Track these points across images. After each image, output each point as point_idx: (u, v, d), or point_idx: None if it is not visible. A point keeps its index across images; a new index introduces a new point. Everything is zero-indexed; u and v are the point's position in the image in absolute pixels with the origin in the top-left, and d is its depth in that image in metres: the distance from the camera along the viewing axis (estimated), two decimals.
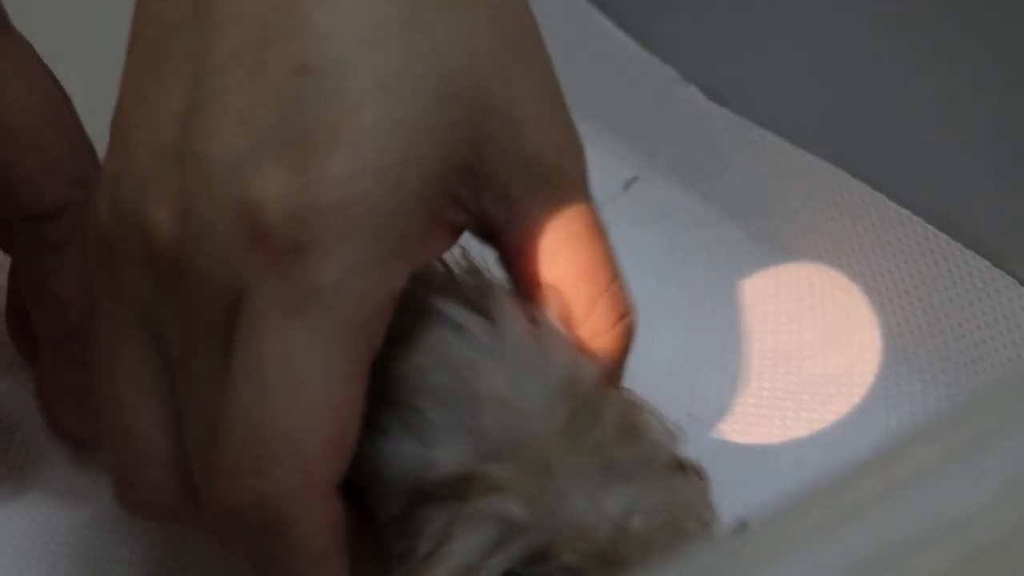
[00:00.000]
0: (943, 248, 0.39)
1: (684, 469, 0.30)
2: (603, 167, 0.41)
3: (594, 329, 0.30)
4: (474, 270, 0.29)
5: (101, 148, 0.31)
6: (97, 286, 0.29)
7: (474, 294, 0.29)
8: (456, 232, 0.29)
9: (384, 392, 0.28)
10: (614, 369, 0.31)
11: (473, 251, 0.30)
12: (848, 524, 0.20)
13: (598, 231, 0.30)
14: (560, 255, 0.30)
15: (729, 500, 0.32)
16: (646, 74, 0.44)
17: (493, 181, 0.28)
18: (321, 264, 0.27)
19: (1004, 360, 0.37)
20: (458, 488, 0.28)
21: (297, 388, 0.26)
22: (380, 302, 0.27)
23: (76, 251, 0.35)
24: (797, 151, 0.41)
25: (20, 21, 0.36)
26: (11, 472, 0.38)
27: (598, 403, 0.28)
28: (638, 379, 0.35)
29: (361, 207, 0.27)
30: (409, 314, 0.29)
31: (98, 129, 0.33)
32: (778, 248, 0.40)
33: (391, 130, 0.27)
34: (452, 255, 0.30)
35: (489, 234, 0.30)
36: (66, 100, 0.36)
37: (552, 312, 0.29)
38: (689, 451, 0.33)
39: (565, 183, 0.29)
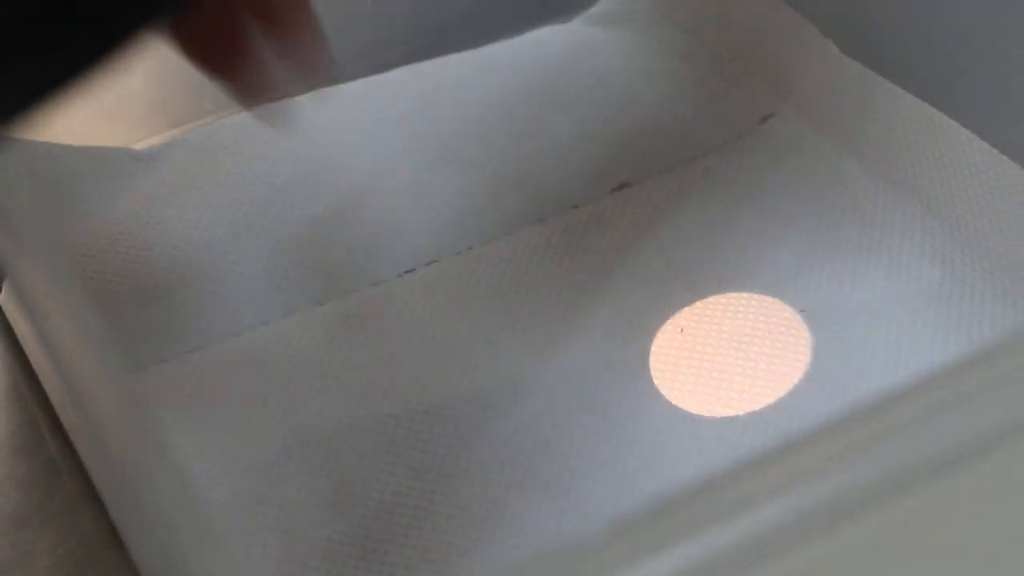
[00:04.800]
0: None
1: None
2: (745, 104, 0.47)
3: None
4: None
5: None
6: None
7: None
8: None
9: None
10: None
11: None
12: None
13: None
14: None
15: (830, 386, 0.37)
16: (788, 26, 0.48)
17: None
18: None
19: None
20: None
21: None
22: None
23: None
24: (915, 100, 0.44)
25: None
26: None
27: None
28: (759, 277, 0.41)
29: None
30: None
31: None
32: (887, 181, 0.43)
33: None
34: None
35: None
36: None
37: None
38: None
39: None
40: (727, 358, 0.38)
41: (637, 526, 0.21)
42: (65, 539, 0.35)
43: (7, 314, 0.41)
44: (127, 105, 0.47)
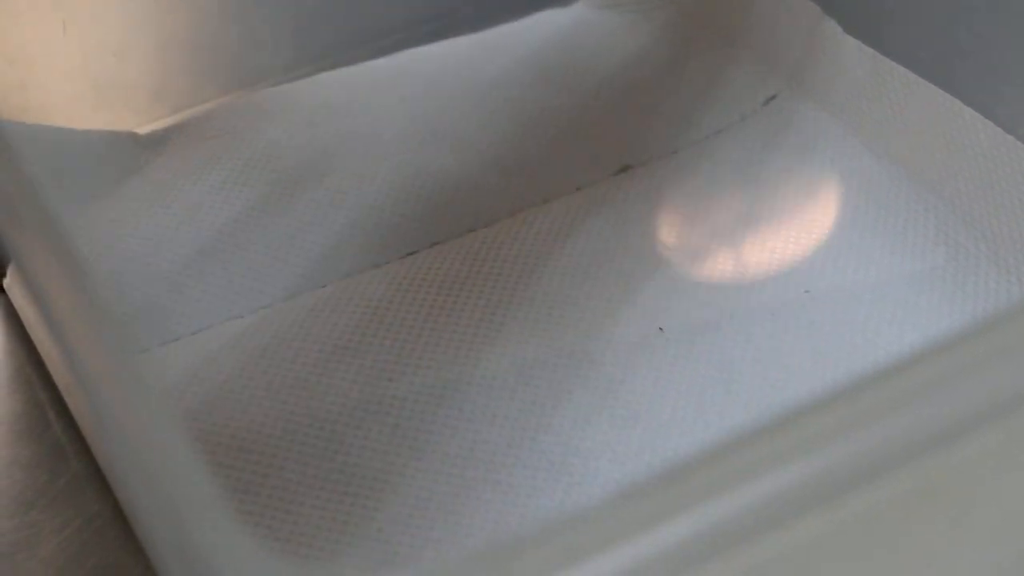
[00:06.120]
0: None
1: None
2: (748, 86, 0.47)
3: None
4: None
5: None
6: None
7: None
8: None
9: None
10: None
11: None
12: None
13: None
14: None
15: (833, 366, 0.38)
16: (791, 8, 0.48)
17: None
18: None
19: None
20: None
21: None
22: None
23: None
24: (918, 79, 0.44)
25: None
26: None
27: None
28: (763, 258, 0.41)
29: None
30: None
31: None
32: (893, 162, 0.43)
33: None
34: None
35: None
36: None
37: None
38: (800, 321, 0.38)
39: None
40: (730, 338, 0.38)
41: (636, 497, 0.21)
42: (71, 520, 0.36)
43: (12, 298, 0.42)
44: (128, 91, 0.47)
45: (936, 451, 0.22)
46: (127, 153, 0.43)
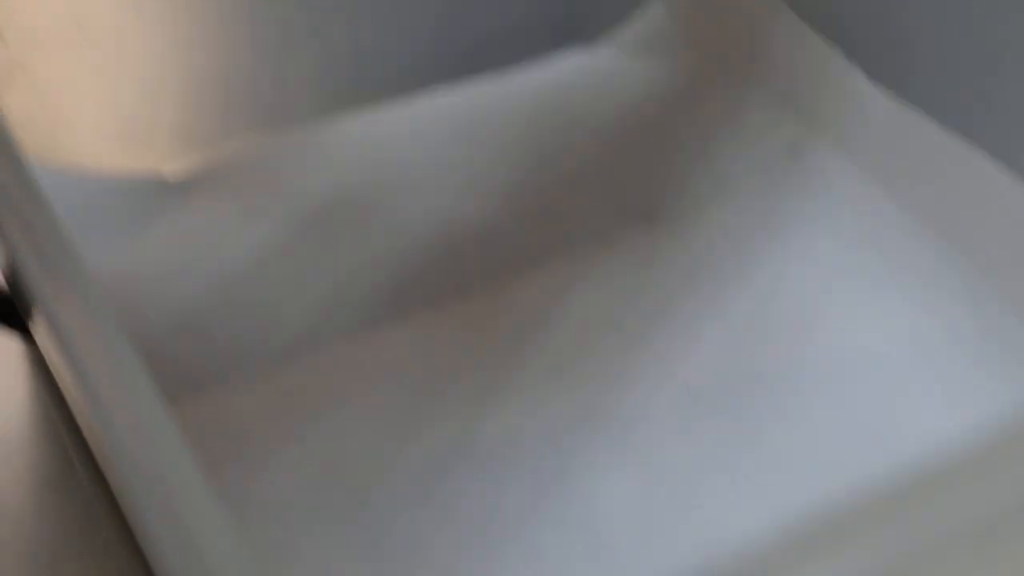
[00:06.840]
0: None
1: None
2: (770, 130, 0.47)
3: None
4: None
5: None
6: None
7: None
8: None
9: None
10: None
11: None
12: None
13: None
14: None
15: (854, 419, 0.38)
16: (814, 54, 0.48)
17: None
18: None
19: None
20: None
21: None
22: None
23: None
24: (942, 131, 0.44)
25: None
26: None
27: None
28: (784, 314, 0.41)
29: None
30: None
31: None
32: (916, 215, 0.43)
33: None
34: None
35: None
36: None
37: None
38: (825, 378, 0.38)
39: None
40: (756, 396, 0.38)
41: None
42: (97, 572, 0.36)
43: (39, 340, 0.42)
44: (155, 132, 0.47)
45: (976, 544, 0.22)
46: (154, 197, 0.43)
